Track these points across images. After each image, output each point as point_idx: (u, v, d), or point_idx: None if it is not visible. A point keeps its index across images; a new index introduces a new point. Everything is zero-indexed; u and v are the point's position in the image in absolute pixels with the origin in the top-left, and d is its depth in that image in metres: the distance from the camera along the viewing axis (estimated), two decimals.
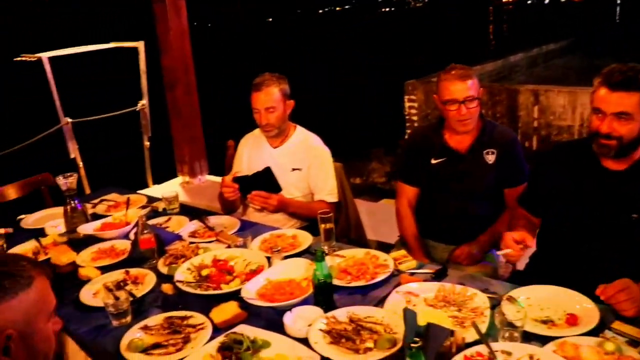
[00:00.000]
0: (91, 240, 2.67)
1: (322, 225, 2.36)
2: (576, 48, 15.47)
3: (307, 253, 2.38)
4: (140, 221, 2.34)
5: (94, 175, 5.11)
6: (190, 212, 2.99)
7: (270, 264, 2.20)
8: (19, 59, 5.17)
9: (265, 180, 2.66)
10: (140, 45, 5.13)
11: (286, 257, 2.26)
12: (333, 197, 2.97)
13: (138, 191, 3.47)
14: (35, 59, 4.81)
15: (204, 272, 2.17)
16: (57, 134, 4.92)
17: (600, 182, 2.10)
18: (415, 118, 7.10)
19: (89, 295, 2.17)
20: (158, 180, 5.62)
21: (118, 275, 2.28)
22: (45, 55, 4.74)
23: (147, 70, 5.11)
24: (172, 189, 5.39)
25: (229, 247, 2.45)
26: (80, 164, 5.03)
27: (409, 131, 7.02)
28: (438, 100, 2.63)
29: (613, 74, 1.96)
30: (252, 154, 3.07)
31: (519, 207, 2.48)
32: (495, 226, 2.68)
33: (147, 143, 5.45)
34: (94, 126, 5.19)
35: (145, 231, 2.33)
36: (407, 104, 7.27)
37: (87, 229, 2.70)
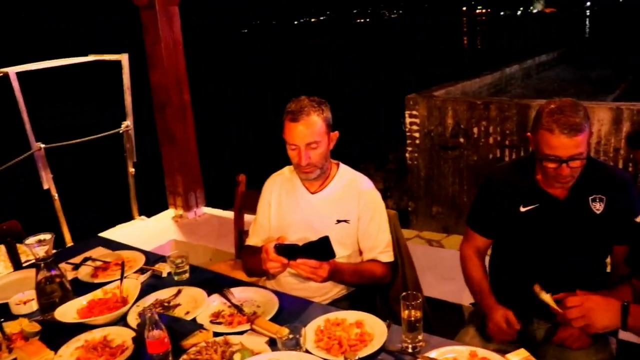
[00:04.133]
0: (75, 326, 1.95)
1: (406, 312, 1.70)
2: (565, 60, 15.24)
3: (384, 352, 1.71)
4: (148, 315, 1.64)
5: (70, 208, 4.38)
6: (200, 277, 2.29)
7: None
8: None
9: (319, 249, 1.98)
10: (123, 58, 4.43)
11: None
12: (388, 256, 2.31)
13: (132, 245, 2.73)
14: (0, 74, 4.08)
15: None
16: (27, 161, 4.20)
17: None
18: (417, 135, 6.58)
19: None
20: (146, 213, 4.89)
21: None
22: (12, 71, 4.00)
23: (135, 87, 4.40)
24: (162, 223, 4.72)
25: (271, 342, 1.76)
26: (55, 196, 4.29)
27: (410, 148, 6.49)
28: (532, 141, 2.02)
29: None
30: (283, 200, 2.39)
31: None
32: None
33: (131, 170, 4.73)
34: (70, 152, 4.47)
35: (154, 328, 1.63)
36: (408, 120, 6.76)
37: (67, 313, 1.97)
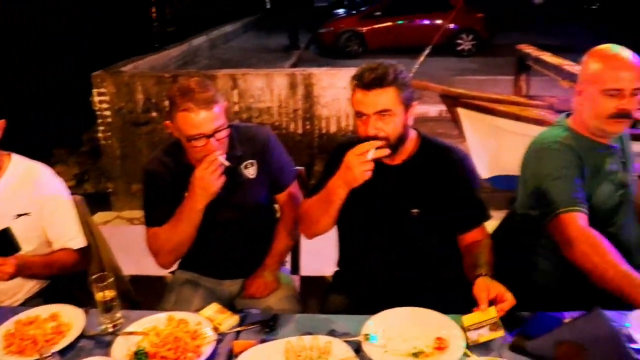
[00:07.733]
0: None
1: (100, 294, 1.71)
2: (249, 29, 16.29)
3: (84, 338, 1.70)
4: None
5: None
6: None
7: None
8: None
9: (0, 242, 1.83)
10: None
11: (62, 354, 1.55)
12: (79, 242, 2.24)
13: None
14: None
15: None
16: None
17: (380, 179, 1.89)
18: (107, 113, 6.42)
19: None
20: None
21: None
22: None
23: None
24: None
25: None
26: None
27: (102, 128, 6.29)
28: (172, 128, 2.01)
29: (363, 74, 1.82)
30: None
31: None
32: (276, 244, 2.32)
33: None
34: None
35: None
36: (97, 98, 6.53)
37: None
